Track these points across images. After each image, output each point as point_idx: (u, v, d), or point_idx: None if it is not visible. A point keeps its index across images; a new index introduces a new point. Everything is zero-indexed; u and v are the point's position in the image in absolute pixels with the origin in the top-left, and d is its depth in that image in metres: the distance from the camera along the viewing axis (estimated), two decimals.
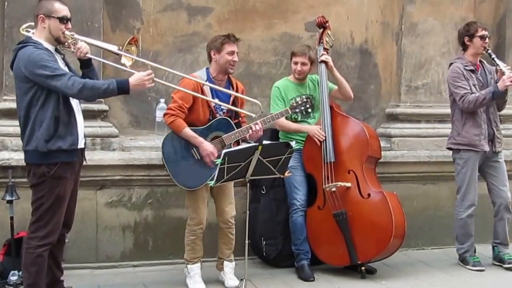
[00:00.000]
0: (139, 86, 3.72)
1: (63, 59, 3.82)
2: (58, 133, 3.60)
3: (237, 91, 4.54)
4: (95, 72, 3.95)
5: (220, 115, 4.46)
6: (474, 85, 5.00)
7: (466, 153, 5.06)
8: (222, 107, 4.46)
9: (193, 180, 4.38)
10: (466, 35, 5.08)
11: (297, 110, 4.63)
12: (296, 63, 4.94)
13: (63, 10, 3.70)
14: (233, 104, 4.47)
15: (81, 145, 3.79)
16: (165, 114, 4.43)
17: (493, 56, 4.99)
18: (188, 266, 4.52)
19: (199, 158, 4.38)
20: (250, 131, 4.37)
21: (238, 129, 4.39)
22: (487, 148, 5.02)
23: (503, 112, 5.34)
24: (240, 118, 4.55)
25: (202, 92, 4.35)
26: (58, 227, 3.72)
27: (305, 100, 4.61)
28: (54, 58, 3.62)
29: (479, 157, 5.05)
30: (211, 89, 4.41)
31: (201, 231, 4.47)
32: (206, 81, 4.42)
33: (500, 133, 5.13)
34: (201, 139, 4.35)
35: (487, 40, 5.01)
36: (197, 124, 4.40)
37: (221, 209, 4.56)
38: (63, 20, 3.68)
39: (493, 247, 5.24)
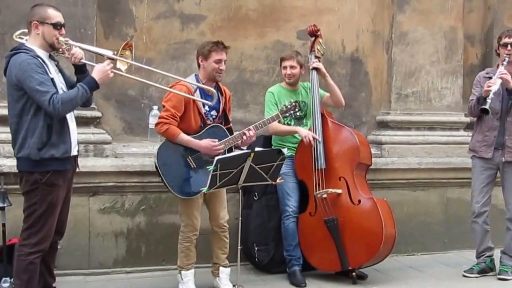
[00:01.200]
0: (104, 78, 3.73)
1: (57, 65, 3.83)
2: (51, 141, 3.60)
3: (224, 97, 4.56)
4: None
5: (211, 121, 4.47)
6: None
7: (473, 159, 5.11)
8: (211, 113, 4.48)
9: (190, 188, 4.36)
10: (497, 44, 5.04)
11: (287, 114, 4.65)
12: (285, 67, 4.99)
13: (56, 16, 3.70)
14: (223, 110, 4.52)
15: (74, 152, 3.78)
16: (157, 124, 4.38)
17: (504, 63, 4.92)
18: (182, 272, 4.52)
19: (195, 166, 4.39)
20: (244, 137, 4.40)
21: (232, 136, 4.42)
22: (488, 155, 4.97)
23: None
24: (230, 125, 4.59)
25: (193, 100, 4.35)
26: (50, 234, 3.72)
27: (293, 104, 4.63)
28: (43, 69, 3.58)
29: (486, 165, 5.01)
30: (201, 95, 4.42)
31: (195, 237, 4.48)
32: (196, 88, 4.39)
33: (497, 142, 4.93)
34: (196, 140, 4.33)
35: (509, 47, 4.89)
36: (190, 132, 4.38)
37: (214, 214, 4.58)
38: (56, 26, 3.68)
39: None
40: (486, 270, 5.13)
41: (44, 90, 3.51)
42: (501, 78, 4.79)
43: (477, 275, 5.10)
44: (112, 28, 5.16)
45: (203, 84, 4.43)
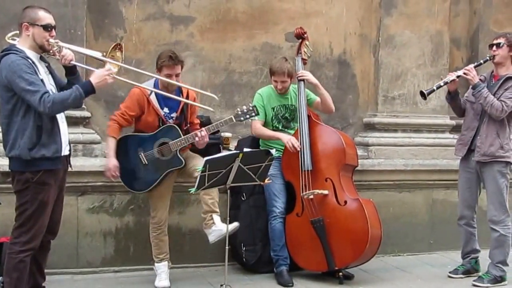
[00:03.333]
0: (101, 83, 3.74)
1: (48, 67, 3.84)
2: (41, 141, 3.62)
3: (187, 98, 4.61)
4: (80, 78, 3.98)
5: (170, 122, 4.58)
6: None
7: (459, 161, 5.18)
8: (171, 115, 4.59)
9: (138, 184, 4.62)
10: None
11: (241, 118, 4.51)
12: (276, 81, 5.00)
13: (47, 18, 3.71)
14: (182, 111, 4.61)
15: (65, 152, 3.81)
16: (109, 119, 4.63)
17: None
18: (156, 264, 4.64)
19: (146, 163, 4.55)
20: (196, 138, 4.46)
21: (184, 136, 4.51)
22: (460, 154, 5.03)
23: None
24: (189, 125, 4.67)
25: (148, 101, 4.53)
26: (41, 232, 3.74)
27: (250, 108, 4.49)
28: (33, 69, 3.59)
29: (465, 168, 5.04)
30: (159, 97, 4.54)
31: (162, 227, 4.62)
32: (151, 91, 4.51)
33: (486, 144, 4.82)
34: (110, 154, 4.53)
35: (494, 48, 4.88)
36: (148, 131, 4.58)
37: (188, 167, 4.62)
38: (47, 28, 3.69)
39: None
40: (471, 271, 5.17)
41: (35, 90, 3.53)
42: (463, 73, 4.83)
43: (462, 276, 5.15)
44: (102, 29, 5.18)
45: (160, 88, 4.55)
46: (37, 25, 3.67)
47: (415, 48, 5.90)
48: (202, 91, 4.70)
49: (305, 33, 5.14)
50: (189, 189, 4.16)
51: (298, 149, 4.86)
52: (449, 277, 5.16)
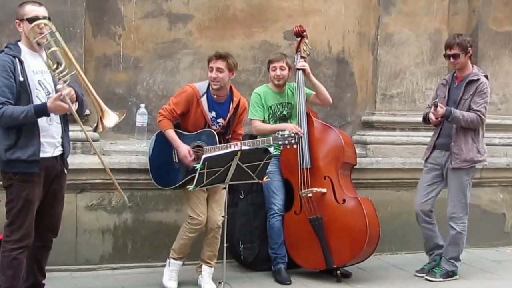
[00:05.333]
0: (58, 108, 3.55)
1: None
2: (18, 143, 3.57)
3: (236, 108, 4.64)
4: (85, 104, 3.89)
5: (216, 127, 4.58)
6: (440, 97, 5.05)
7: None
8: (218, 120, 4.60)
9: (164, 179, 4.65)
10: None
11: (279, 142, 4.51)
12: (274, 69, 5.01)
13: (33, 10, 3.60)
14: (229, 121, 4.61)
15: (54, 153, 3.72)
16: (158, 113, 4.65)
17: None
18: (171, 260, 4.61)
19: (177, 161, 4.55)
20: (229, 150, 4.44)
21: (219, 145, 4.51)
22: (424, 157, 5.15)
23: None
24: (231, 135, 4.67)
25: (198, 103, 4.53)
26: (32, 229, 3.70)
27: (292, 135, 4.48)
28: (10, 73, 3.48)
29: (432, 166, 5.11)
30: (209, 101, 4.56)
31: (198, 229, 4.56)
32: (204, 93, 4.57)
33: (464, 150, 4.90)
34: (179, 142, 4.52)
35: (451, 60, 4.97)
36: (191, 130, 4.59)
37: (210, 209, 4.62)
38: (33, 20, 3.57)
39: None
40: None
41: None
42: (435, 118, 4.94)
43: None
44: (101, 27, 5.18)
45: (212, 90, 4.59)
46: (24, 19, 3.61)
47: (414, 47, 5.90)
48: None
49: (304, 31, 5.15)
50: (188, 187, 4.17)
51: (301, 133, 4.82)
52: (415, 276, 5.17)
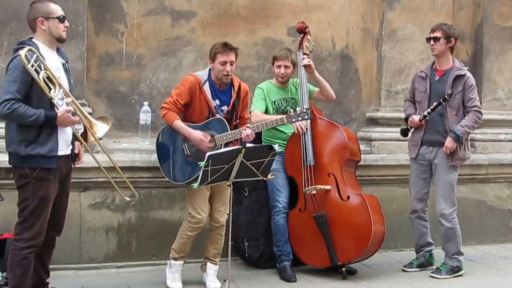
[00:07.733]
0: (66, 122, 3.66)
1: (64, 65, 3.83)
2: (39, 139, 3.61)
3: (238, 92, 4.58)
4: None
5: (221, 115, 4.51)
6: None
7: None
8: (222, 108, 4.53)
9: (177, 174, 4.54)
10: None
11: (293, 120, 4.50)
12: (279, 67, 5.00)
13: (58, 9, 3.75)
14: (233, 106, 4.55)
15: (66, 152, 3.79)
16: (161, 108, 4.54)
17: None
18: (172, 262, 4.58)
19: (189, 154, 4.48)
20: (242, 135, 4.42)
21: (231, 131, 4.44)
22: (413, 156, 5.10)
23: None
24: (238, 121, 4.60)
25: (200, 90, 4.44)
26: (44, 229, 3.73)
27: (304, 110, 4.45)
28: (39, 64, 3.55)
29: (419, 161, 5.08)
30: (212, 89, 4.48)
31: (198, 228, 4.51)
32: (206, 80, 4.49)
33: (456, 150, 4.91)
34: (190, 129, 4.43)
35: (432, 42, 4.99)
36: (196, 121, 4.49)
37: (213, 210, 4.60)
38: (61, 19, 3.73)
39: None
40: (425, 264, 5.21)
41: (5, 91, 3.53)
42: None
43: (416, 269, 5.18)
44: (103, 24, 5.16)
45: (214, 79, 4.51)
46: (52, 17, 3.70)
47: (418, 42, 5.86)
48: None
49: (307, 27, 5.12)
50: (192, 184, 4.15)
51: (304, 130, 4.81)
52: (403, 271, 5.18)
